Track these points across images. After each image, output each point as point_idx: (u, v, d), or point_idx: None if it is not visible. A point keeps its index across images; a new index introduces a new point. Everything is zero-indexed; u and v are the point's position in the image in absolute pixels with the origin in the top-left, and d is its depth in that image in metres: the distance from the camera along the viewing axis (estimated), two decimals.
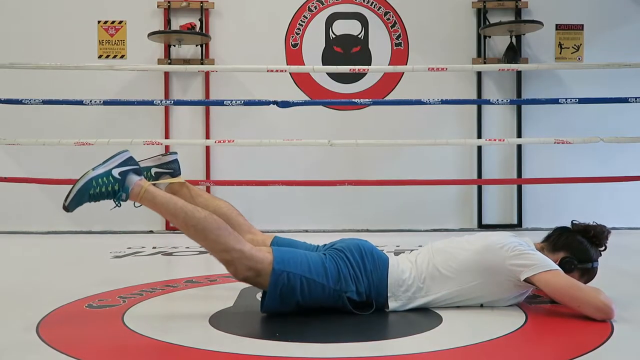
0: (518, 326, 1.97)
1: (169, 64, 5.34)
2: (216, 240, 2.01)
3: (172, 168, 2.30)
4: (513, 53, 5.25)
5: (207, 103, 5.36)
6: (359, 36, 5.53)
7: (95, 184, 1.99)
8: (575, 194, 5.35)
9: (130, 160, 2.08)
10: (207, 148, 5.39)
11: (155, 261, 3.60)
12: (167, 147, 5.33)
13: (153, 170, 2.36)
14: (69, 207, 2.00)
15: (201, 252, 3.74)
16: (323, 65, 5.44)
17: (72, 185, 1.99)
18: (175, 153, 2.37)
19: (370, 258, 2.14)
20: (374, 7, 5.52)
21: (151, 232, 5.30)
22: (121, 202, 2.05)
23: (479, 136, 5.43)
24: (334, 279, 2.06)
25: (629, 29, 5.50)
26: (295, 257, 2.07)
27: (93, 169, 2.03)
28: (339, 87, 5.50)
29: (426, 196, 5.37)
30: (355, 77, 5.47)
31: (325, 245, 2.25)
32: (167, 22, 5.37)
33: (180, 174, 2.36)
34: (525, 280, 2.07)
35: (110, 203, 2.04)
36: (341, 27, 5.52)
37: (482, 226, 5.43)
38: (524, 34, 5.39)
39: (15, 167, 5.21)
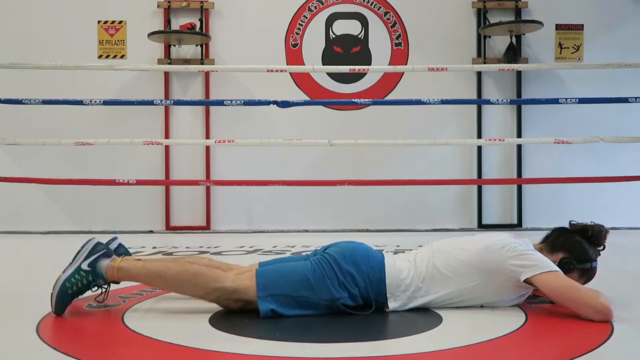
0: (518, 326, 1.97)
1: (169, 64, 5.34)
2: (196, 288, 2.10)
3: (120, 253, 2.37)
4: (513, 53, 5.26)
5: (207, 103, 5.36)
6: (359, 36, 5.53)
7: (69, 284, 2.08)
8: (575, 194, 5.35)
9: (97, 247, 2.16)
10: (207, 148, 5.40)
11: None
12: (167, 147, 5.34)
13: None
14: (57, 312, 2.08)
15: (201, 252, 3.74)
16: (323, 65, 5.44)
17: (51, 292, 2.07)
18: (116, 237, 2.45)
19: (365, 260, 2.14)
20: (374, 7, 5.52)
21: (151, 232, 5.30)
22: (103, 287, 2.15)
23: (479, 136, 5.44)
24: (321, 289, 2.07)
25: (629, 29, 5.50)
26: (278, 277, 2.09)
27: (63, 272, 2.11)
28: (339, 87, 5.50)
29: (426, 196, 5.37)
30: (355, 77, 5.47)
31: (322, 247, 2.25)
32: (167, 22, 5.37)
33: (130, 254, 2.46)
34: (525, 281, 2.07)
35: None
36: (341, 27, 5.52)
37: (482, 226, 5.43)
38: (524, 34, 5.39)
39: (15, 167, 5.21)
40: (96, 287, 2.14)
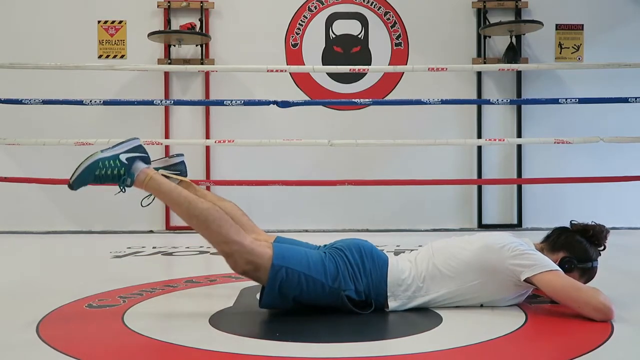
0: (518, 326, 1.97)
1: (169, 64, 5.34)
2: (217, 232, 2.02)
3: (178, 169, 2.33)
4: (513, 53, 5.25)
5: (207, 103, 5.36)
6: (359, 36, 5.53)
7: (102, 165, 2.02)
8: (575, 194, 5.35)
9: (139, 148, 2.11)
10: (207, 148, 5.40)
11: (155, 261, 3.60)
12: (167, 147, 5.33)
13: (160, 172, 2.37)
14: (73, 185, 2.04)
15: (201, 252, 3.75)
16: (323, 65, 5.44)
17: (78, 163, 2.01)
18: (182, 155, 2.40)
19: (369, 258, 2.14)
20: (374, 7, 5.52)
21: (151, 232, 5.30)
22: (125, 188, 2.08)
23: (479, 136, 5.44)
24: (332, 277, 2.07)
25: (629, 29, 5.50)
26: (295, 254, 2.08)
27: (102, 151, 2.06)
28: (339, 87, 5.50)
29: (426, 196, 5.37)
30: (355, 77, 5.47)
31: (325, 245, 2.26)
32: (167, 22, 5.37)
33: (187, 175, 2.39)
34: (526, 280, 2.07)
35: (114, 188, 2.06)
36: (341, 27, 5.52)
37: (482, 226, 5.43)
38: (524, 34, 5.39)
39: (15, 167, 5.21)
40: (121, 184, 2.06)
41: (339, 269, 2.08)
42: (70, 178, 2.02)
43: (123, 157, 2.06)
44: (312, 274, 2.05)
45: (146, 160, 2.11)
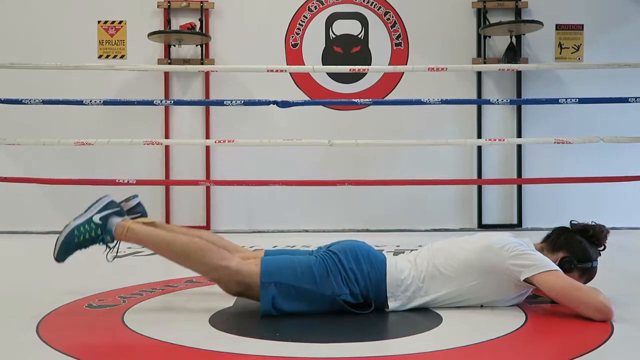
0: (518, 326, 1.97)
1: (169, 64, 5.34)
2: (201, 262, 2.07)
3: (138, 212, 2.36)
4: (513, 53, 5.25)
5: (207, 103, 5.36)
6: (359, 36, 5.53)
7: (77, 232, 2.07)
8: (575, 194, 5.35)
9: (110, 204, 2.15)
10: (207, 148, 5.39)
11: (155, 261, 3.58)
12: (167, 147, 5.34)
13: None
14: (58, 258, 2.09)
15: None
16: (323, 65, 5.44)
17: (57, 237, 2.08)
18: (136, 196, 2.43)
19: (366, 259, 2.14)
20: (374, 7, 5.52)
21: None
22: (109, 245, 2.12)
23: (479, 136, 5.43)
24: (324, 284, 2.07)
25: (629, 29, 5.50)
26: (283, 266, 2.08)
27: (74, 219, 2.11)
28: (339, 87, 5.50)
29: (426, 196, 5.37)
30: (355, 77, 5.47)
31: (321, 247, 2.25)
32: (167, 22, 5.36)
33: (147, 215, 2.42)
34: (525, 280, 2.07)
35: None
36: (341, 27, 5.52)
37: (482, 226, 5.43)
38: (524, 34, 5.39)
39: (15, 167, 5.21)
40: (102, 243, 2.10)
41: (331, 275, 2.08)
42: (54, 254, 2.08)
43: (96, 218, 2.10)
44: (302, 285, 2.06)
45: (120, 213, 2.16)
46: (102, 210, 2.12)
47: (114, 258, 2.15)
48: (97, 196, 2.16)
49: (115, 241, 2.12)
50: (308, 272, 2.07)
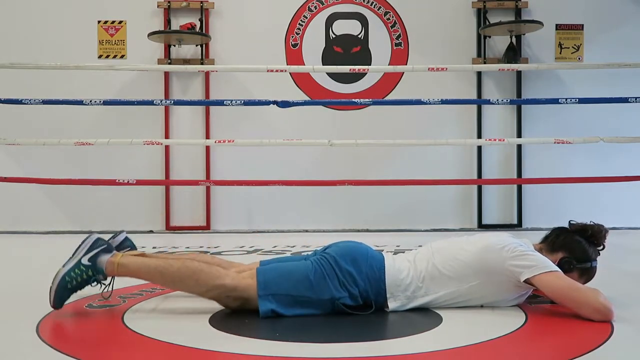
0: (518, 326, 1.97)
1: (169, 64, 5.34)
2: (197, 284, 2.09)
3: (127, 246, 2.37)
4: (513, 53, 5.25)
5: (207, 103, 5.36)
6: (359, 36, 5.53)
7: (68, 278, 2.07)
8: (575, 194, 5.35)
9: (97, 242, 2.15)
10: (207, 148, 5.40)
11: None
12: (167, 147, 5.34)
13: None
14: (55, 306, 2.08)
15: (201, 252, 3.74)
16: (323, 65, 5.44)
17: (50, 286, 2.07)
18: (123, 231, 2.45)
19: (364, 260, 2.14)
20: (374, 7, 5.52)
21: (151, 232, 5.30)
22: (103, 283, 2.13)
23: (479, 136, 5.44)
24: (321, 289, 2.07)
25: (629, 29, 5.50)
26: (279, 276, 2.09)
27: (63, 266, 2.10)
28: (339, 87, 5.50)
29: (426, 196, 5.37)
30: (355, 77, 5.47)
31: (318, 249, 2.25)
32: (167, 22, 5.37)
33: (136, 248, 2.44)
34: (525, 281, 2.07)
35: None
36: (341, 27, 5.52)
37: (482, 226, 5.43)
38: (524, 34, 5.39)
39: (15, 167, 5.21)
40: (95, 283, 2.12)
41: (328, 279, 2.08)
42: (50, 302, 2.07)
43: (85, 260, 2.10)
44: (300, 293, 2.07)
45: (108, 249, 2.15)
46: (89, 250, 2.12)
47: (110, 295, 2.17)
48: (89, 225, 2.18)
49: (108, 278, 2.14)
50: (304, 280, 2.08)
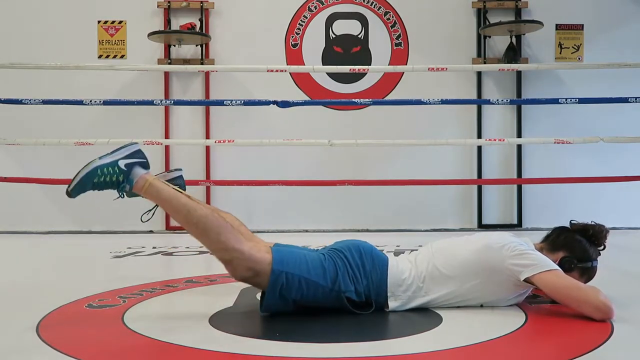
0: (518, 326, 1.97)
1: (169, 64, 5.34)
2: (217, 239, 2.02)
3: (177, 184, 2.31)
4: (513, 53, 5.26)
5: (207, 103, 5.36)
6: (359, 36, 5.53)
7: (100, 172, 2.01)
8: (575, 194, 5.35)
9: (138, 153, 2.09)
10: (207, 148, 5.40)
11: (155, 261, 3.60)
12: (167, 147, 5.34)
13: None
14: (71, 193, 2.02)
15: (201, 252, 3.75)
16: (323, 65, 5.44)
17: (77, 171, 2.01)
18: (180, 169, 2.36)
19: (369, 258, 2.14)
20: (374, 7, 5.52)
21: (151, 232, 5.30)
22: (124, 194, 2.07)
23: (479, 136, 5.44)
24: (332, 279, 2.06)
25: (629, 29, 5.50)
26: (294, 258, 2.07)
27: (100, 158, 2.04)
28: (339, 87, 5.50)
29: (426, 196, 5.37)
30: (355, 77, 5.47)
31: (324, 247, 2.25)
32: (167, 22, 5.37)
33: (185, 190, 2.31)
34: (525, 280, 2.07)
35: (113, 193, 2.06)
36: (341, 27, 5.52)
37: (482, 226, 5.43)
38: (524, 34, 5.39)
39: (15, 167, 5.21)
40: (118, 190, 2.06)
41: (339, 271, 2.08)
42: (69, 186, 2.01)
43: (122, 164, 2.04)
44: (311, 277, 2.05)
45: (145, 165, 2.09)
46: (128, 157, 2.05)
47: (149, 219, 2.11)
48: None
49: (131, 191, 2.06)
50: (318, 266, 2.07)
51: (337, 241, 2.24)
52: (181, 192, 2.09)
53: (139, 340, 1.83)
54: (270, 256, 2.04)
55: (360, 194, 5.33)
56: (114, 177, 2.02)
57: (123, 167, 2.03)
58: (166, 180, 2.20)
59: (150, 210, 2.12)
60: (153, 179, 2.07)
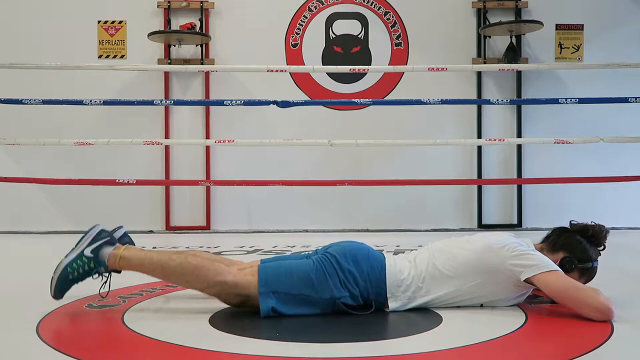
0: (518, 326, 1.97)
1: (169, 64, 5.34)
2: (197, 280, 2.09)
3: (125, 242, 2.35)
4: (513, 53, 5.25)
5: (207, 103, 5.36)
6: (359, 36, 5.53)
7: (70, 269, 2.07)
8: (575, 194, 5.35)
9: (101, 234, 2.15)
10: (207, 148, 5.39)
11: None
12: (167, 147, 5.34)
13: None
14: (56, 296, 2.08)
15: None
16: (323, 65, 5.44)
17: (52, 276, 2.07)
18: (122, 227, 2.41)
19: (365, 260, 2.13)
20: (374, 7, 5.52)
21: (151, 232, 5.30)
22: (104, 276, 2.13)
23: (479, 136, 5.43)
24: (322, 288, 2.06)
25: (629, 29, 5.50)
26: (280, 274, 2.08)
27: (66, 256, 2.10)
28: (339, 87, 5.50)
29: (426, 196, 5.37)
30: (355, 77, 5.47)
31: (319, 248, 2.25)
32: (167, 22, 5.37)
33: (134, 244, 2.41)
34: (526, 280, 2.07)
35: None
36: (341, 27, 5.52)
37: (482, 226, 5.43)
38: (524, 34, 5.39)
39: (15, 167, 5.22)
40: (97, 275, 2.11)
41: (329, 278, 2.07)
42: (50, 292, 2.07)
43: (87, 252, 2.10)
44: (300, 291, 2.06)
45: (111, 242, 2.15)
46: (92, 242, 2.12)
47: (107, 293, 2.15)
48: (89, 225, 2.17)
49: (109, 271, 2.13)
50: (305, 278, 2.07)
51: (332, 243, 2.23)
52: (149, 251, 2.17)
53: (139, 340, 1.83)
54: (255, 278, 2.07)
55: (360, 194, 5.33)
56: (85, 267, 2.09)
57: (90, 255, 2.10)
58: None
59: (104, 283, 2.14)
60: (122, 252, 2.14)
